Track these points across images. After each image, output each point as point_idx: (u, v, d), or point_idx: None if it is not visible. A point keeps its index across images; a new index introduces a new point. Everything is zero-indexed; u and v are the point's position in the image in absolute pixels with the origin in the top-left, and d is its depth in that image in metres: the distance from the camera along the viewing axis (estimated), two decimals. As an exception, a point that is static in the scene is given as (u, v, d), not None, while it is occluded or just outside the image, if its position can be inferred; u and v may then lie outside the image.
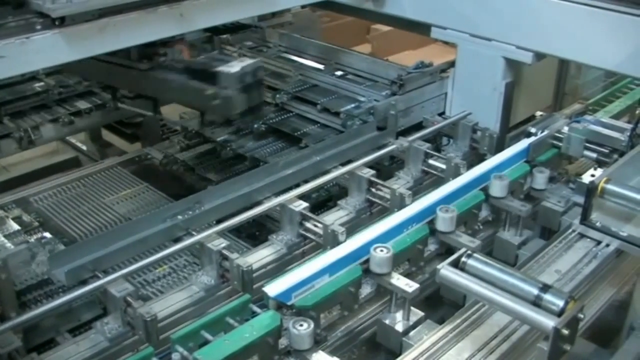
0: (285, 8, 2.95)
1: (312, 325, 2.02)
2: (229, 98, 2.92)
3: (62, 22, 2.30)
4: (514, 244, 2.77)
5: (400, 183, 2.92)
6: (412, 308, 2.28)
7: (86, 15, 2.34)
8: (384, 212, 2.74)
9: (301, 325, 2.02)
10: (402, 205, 2.66)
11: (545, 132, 3.03)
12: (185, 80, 3.04)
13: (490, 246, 2.86)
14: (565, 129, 3.08)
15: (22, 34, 2.25)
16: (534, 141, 2.96)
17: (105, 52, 2.55)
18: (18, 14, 2.34)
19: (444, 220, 2.47)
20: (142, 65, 3.08)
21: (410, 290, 2.20)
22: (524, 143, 2.95)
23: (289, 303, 2.09)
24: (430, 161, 3.01)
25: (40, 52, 2.28)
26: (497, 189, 2.71)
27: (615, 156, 2.92)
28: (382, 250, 2.24)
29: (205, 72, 2.98)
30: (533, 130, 3.04)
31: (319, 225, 2.52)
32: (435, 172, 3.01)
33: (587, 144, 3.03)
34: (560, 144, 3.06)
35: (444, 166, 2.96)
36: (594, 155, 3.01)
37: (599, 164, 3.00)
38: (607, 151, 2.98)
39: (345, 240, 2.36)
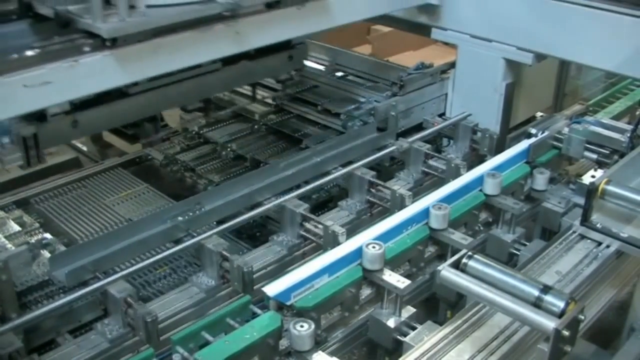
0: (341, 24, 2.82)
1: (312, 326, 2.02)
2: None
3: (113, 43, 2.10)
4: (506, 241, 2.75)
5: (400, 184, 2.92)
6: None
7: (139, 36, 2.16)
8: (385, 213, 2.74)
9: (302, 326, 2.02)
10: (402, 206, 2.66)
11: (546, 133, 3.03)
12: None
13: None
14: (566, 129, 3.08)
15: (69, 57, 2.06)
16: (534, 142, 2.96)
17: (158, 75, 2.38)
18: (64, 34, 2.16)
19: (437, 218, 2.47)
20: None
21: (401, 286, 2.21)
22: (524, 144, 2.95)
23: (288, 303, 2.10)
24: (431, 162, 3.02)
25: (90, 76, 2.10)
26: (490, 187, 2.71)
27: (616, 157, 2.92)
28: (374, 247, 2.24)
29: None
30: (533, 131, 3.04)
31: (319, 226, 2.52)
32: (435, 173, 3.01)
33: (588, 145, 3.03)
34: (561, 145, 3.07)
35: (444, 167, 2.97)
36: (595, 156, 3.01)
37: (600, 164, 3.00)
38: (607, 152, 2.98)
39: (345, 241, 2.37)
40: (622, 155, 2.84)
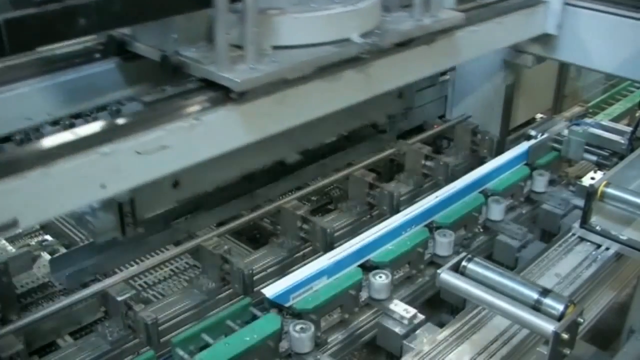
0: (466, 59, 2.77)
1: (312, 328, 2.02)
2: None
3: (240, 96, 1.73)
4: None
5: (400, 186, 2.93)
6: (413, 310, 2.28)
7: (270, 87, 1.81)
8: (384, 215, 2.74)
9: (302, 328, 2.02)
10: (402, 208, 2.66)
11: (545, 135, 3.03)
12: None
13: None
14: (565, 131, 3.08)
15: (188, 115, 1.68)
16: (534, 144, 2.96)
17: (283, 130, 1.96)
18: (177, 83, 1.78)
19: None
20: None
21: (408, 316, 2.20)
22: (523, 146, 2.95)
23: (287, 305, 2.10)
24: (430, 164, 3.02)
25: (211, 136, 1.74)
26: (495, 212, 2.72)
27: (615, 159, 2.92)
28: (380, 277, 2.25)
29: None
30: (533, 133, 3.04)
31: (319, 228, 2.52)
32: (435, 175, 3.01)
33: (587, 147, 3.03)
34: (560, 147, 3.07)
35: (444, 169, 2.97)
36: (594, 158, 3.02)
37: (599, 166, 3.00)
38: (607, 154, 2.99)
39: (344, 243, 2.37)
40: (621, 157, 2.84)
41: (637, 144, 2.89)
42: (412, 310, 2.22)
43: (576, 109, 3.33)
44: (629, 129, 3.01)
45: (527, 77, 3.41)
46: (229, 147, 1.81)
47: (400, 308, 2.24)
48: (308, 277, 2.15)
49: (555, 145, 3.09)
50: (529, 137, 3.04)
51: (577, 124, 3.11)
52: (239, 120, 1.78)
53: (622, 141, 2.95)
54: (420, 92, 3.48)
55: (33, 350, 2.20)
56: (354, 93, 2.13)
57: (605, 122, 3.13)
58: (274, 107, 1.86)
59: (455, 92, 3.52)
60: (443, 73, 3.60)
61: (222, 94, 1.74)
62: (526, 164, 2.94)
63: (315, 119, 2.02)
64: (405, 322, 2.19)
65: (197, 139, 1.70)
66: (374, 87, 2.18)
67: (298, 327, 2.03)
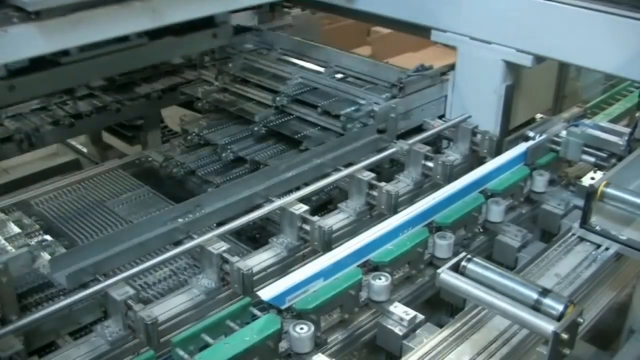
0: (253, 4, 3.37)
1: (312, 328, 2.02)
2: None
3: (37, 15, 2.40)
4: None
5: (400, 186, 2.93)
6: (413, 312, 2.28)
7: (61, 9, 2.44)
8: (384, 215, 2.75)
9: (301, 328, 2.02)
10: (399, 209, 2.66)
11: (543, 136, 3.04)
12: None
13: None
14: (564, 133, 3.08)
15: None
16: (532, 145, 2.97)
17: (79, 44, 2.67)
18: None
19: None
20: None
21: (408, 318, 2.21)
22: (522, 147, 2.96)
23: (282, 307, 2.10)
24: (430, 164, 3.02)
25: (17, 44, 2.40)
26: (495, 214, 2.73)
27: (614, 160, 2.92)
28: (380, 279, 2.25)
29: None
30: (531, 134, 3.04)
31: (319, 228, 2.52)
32: (434, 175, 3.01)
33: (586, 149, 3.03)
34: (558, 148, 3.07)
35: (443, 169, 2.97)
36: (592, 159, 3.01)
37: (598, 167, 3.00)
38: (605, 155, 2.98)
39: (344, 243, 2.37)
40: (620, 159, 2.85)
41: (635, 145, 2.88)
42: (412, 312, 2.23)
43: (575, 110, 3.33)
44: (627, 130, 3.01)
45: (527, 78, 3.41)
46: (31, 53, 2.50)
47: (400, 310, 2.24)
48: (304, 280, 2.15)
49: (553, 146, 3.09)
50: (527, 138, 3.04)
51: (576, 125, 3.11)
52: (38, 34, 2.43)
53: (621, 142, 2.94)
54: (420, 92, 3.48)
55: (32, 350, 2.20)
56: (141, 22, 2.72)
57: (603, 124, 3.13)
58: (68, 26, 2.48)
59: (455, 92, 3.52)
60: (443, 73, 3.61)
61: (25, 15, 2.40)
62: (526, 164, 2.94)
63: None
64: (405, 324, 2.19)
65: (5, 45, 2.38)
66: (160, 19, 2.76)
67: (298, 328, 2.03)
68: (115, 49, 3.00)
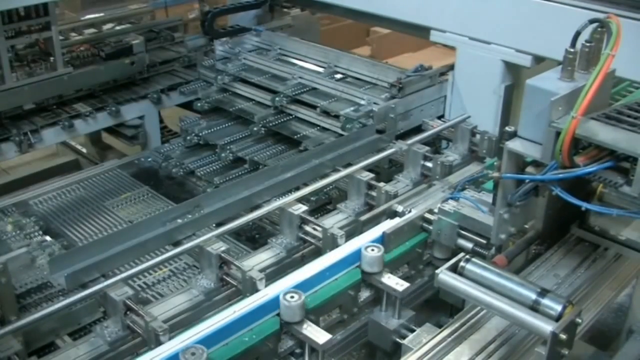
0: None
1: (302, 297, 2.02)
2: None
3: None
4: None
5: (399, 186, 2.93)
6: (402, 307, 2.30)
7: None
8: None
9: (292, 297, 2.02)
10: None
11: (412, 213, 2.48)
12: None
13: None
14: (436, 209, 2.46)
15: None
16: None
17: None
18: None
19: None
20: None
21: (400, 289, 2.21)
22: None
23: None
24: (429, 164, 3.02)
25: None
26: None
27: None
28: (372, 250, 2.25)
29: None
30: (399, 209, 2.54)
31: (318, 228, 2.52)
32: (434, 175, 3.01)
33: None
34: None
35: (442, 169, 2.97)
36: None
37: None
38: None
39: (344, 244, 2.38)
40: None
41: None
42: (405, 284, 2.24)
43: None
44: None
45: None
46: None
47: (392, 281, 2.25)
48: (302, 281, 2.15)
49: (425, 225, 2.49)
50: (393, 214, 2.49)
51: (453, 198, 2.46)
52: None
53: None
54: (420, 92, 3.48)
55: (32, 350, 2.20)
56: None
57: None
58: None
59: (454, 92, 3.52)
60: (442, 73, 3.61)
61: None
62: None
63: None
64: (396, 318, 2.22)
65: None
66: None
67: (288, 296, 2.02)
68: (45, 78, 3.51)
